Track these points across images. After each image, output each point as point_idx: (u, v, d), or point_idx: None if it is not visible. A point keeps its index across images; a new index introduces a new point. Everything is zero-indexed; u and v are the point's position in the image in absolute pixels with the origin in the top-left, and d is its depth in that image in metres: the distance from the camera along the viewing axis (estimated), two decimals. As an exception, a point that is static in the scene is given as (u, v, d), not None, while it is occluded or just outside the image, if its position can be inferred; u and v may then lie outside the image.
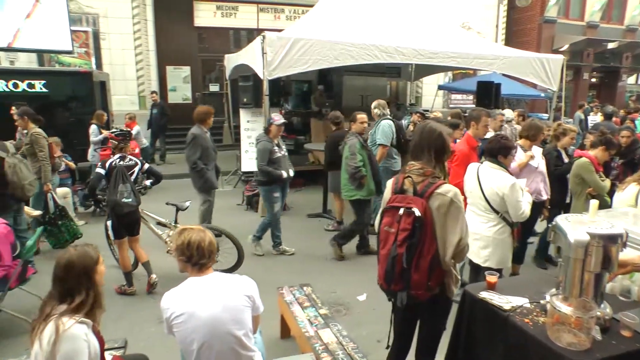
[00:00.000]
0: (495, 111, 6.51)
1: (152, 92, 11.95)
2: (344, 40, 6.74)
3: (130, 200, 4.48)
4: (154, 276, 4.70)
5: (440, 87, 15.11)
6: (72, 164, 7.16)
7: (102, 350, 2.15)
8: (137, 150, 8.54)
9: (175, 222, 5.07)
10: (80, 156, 7.88)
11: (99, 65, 12.28)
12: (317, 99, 12.77)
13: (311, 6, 8.94)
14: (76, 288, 2.07)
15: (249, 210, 7.61)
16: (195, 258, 2.20)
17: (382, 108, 6.40)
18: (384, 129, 6.12)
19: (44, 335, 1.93)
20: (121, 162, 4.57)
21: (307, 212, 7.36)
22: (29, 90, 8.27)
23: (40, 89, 8.33)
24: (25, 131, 5.67)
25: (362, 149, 5.34)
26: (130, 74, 12.75)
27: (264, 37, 6.33)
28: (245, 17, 13.98)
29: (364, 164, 5.28)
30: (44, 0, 8.68)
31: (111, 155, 4.75)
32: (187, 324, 2.11)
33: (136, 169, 4.70)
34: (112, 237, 4.77)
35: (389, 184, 2.60)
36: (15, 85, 8.17)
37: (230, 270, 4.94)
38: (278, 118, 5.42)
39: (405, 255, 2.31)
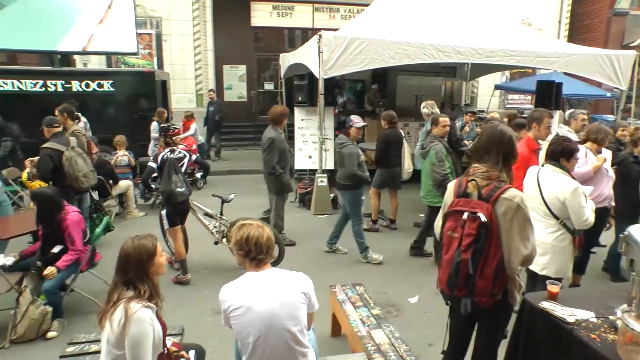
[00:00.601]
0: (575, 111, 6.09)
1: (210, 90, 12.35)
2: (400, 39, 6.67)
3: (183, 189, 4.72)
4: (189, 275, 4.97)
5: (497, 87, 14.59)
6: (132, 161, 7.55)
7: (165, 335, 2.27)
8: (194, 147, 8.88)
9: (221, 213, 5.29)
10: (141, 152, 8.30)
11: (160, 65, 12.88)
12: (370, 98, 12.70)
13: (366, 5, 8.92)
14: (134, 277, 2.20)
15: (302, 207, 7.71)
16: (254, 253, 2.25)
17: (431, 108, 6.30)
18: None
19: (114, 317, 2.08)
20: (172, 155, 4.80)
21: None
22: (99, 89, 8.83)
23: (108, 88, 8.87)
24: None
25: (448, 154, 5.29)
26: (189, 73, 13.27)
27: (320, 36, 6.39)
28: (300, 16, 14.15)
29: (451, 170, 5.21)
30: (115, 7, 9.22)
31: (162, 150, 5.02)
32: (244, 317, 2.16)
33: (185, 160, 4.96)
34: (166, 226, 4.99)
35: (451, 186, 2.55)
36: (87, 85, 8.76)
37: (272, 265, 5.05)
38: (358, 120, 5.28)
39: (471, 261, 2.27)
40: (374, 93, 12.93)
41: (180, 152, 4.93)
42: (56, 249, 3.90)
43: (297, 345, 2.24)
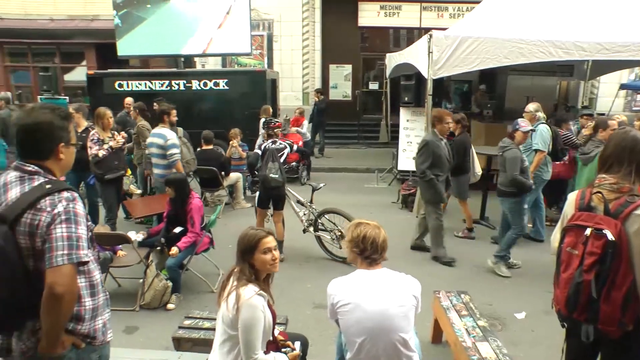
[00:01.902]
0: None
1: (316, 90, 12.68)
2: (515, 36, 6.23)
3: (277, 176, 5.12)
4: (282, 255, 5.08)
5: (623, 87, 12.95)
6: (243, 153, 8.01)
7: (274, 323, 2.39)
8: (300, 143, 9.20)
9: (311, 201, 5.59)
10: (251, 146, 8.75)
11: (270, 64, 13.55)
12: (477, 99, 12.16)
13: (477, 2, 8.50)
14: (245, 264, 2.32)
15: (404, 209, 7.61)
16: (369, 252, 2.27)
17: (539, 111, 5.86)
18: (543, 134, 5.64)
19: (229, 301, 2.22)
20: (273, 146, 5.30)
21: (463, 217, 7.09)
22: (215, 88, 9.54)
23: (223, 86, 9.54)
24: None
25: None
26: (297, 72, 13.79)
27: (430, 35, 6.23)
28: (407, 16, 13.98)
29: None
30: (233, 12, 9.93)
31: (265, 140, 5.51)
32: (353, 313, 2.19)
33: (285, 151, 5.39)
34: (256, 205, 5.49)
35: (572, 197, 2.30)
36: (205, 84, 9.52)
37: None
38: (525, 124, 5.02)
39: (594, 283, 2.03)
40: (481, 94, 12.36)
41: (281, 144, 5.38)
42: (177, 230, 4.34)
43: (405, 349, 2.22)
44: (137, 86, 9.67)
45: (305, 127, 10.24)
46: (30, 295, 1.70)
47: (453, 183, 6.09)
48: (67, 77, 14.65)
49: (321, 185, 5.70)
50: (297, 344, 2.67)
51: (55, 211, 1.71)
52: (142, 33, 10.16)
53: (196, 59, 11.91)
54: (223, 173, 7.14)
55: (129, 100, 8.41)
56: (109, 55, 12.56)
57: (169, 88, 9.59)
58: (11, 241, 1.67)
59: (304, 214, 5.65)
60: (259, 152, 5.32)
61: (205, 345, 3.13)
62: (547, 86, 11.80)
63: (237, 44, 10.19)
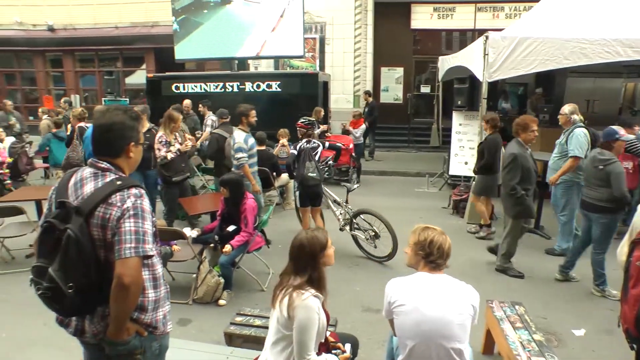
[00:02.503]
0: None
1: (365, 93, 12.64)
2: (577, 36, 5.91)
3: (314, 175, 5.36)
4: None
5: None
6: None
7: (328, 325, 2.41)
8: (351, 146, 9.20)
9: (346, 201, 5.78)
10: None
11: (321, 67, 13.66)
12: (533, 103, 11.68)
13: (535, 1, 8.14)
14: (306, 266, 2.34)
15: (455, 214, 7.44)
16: (434, 257, 2.29)
17: (575, 113, 5.50)
18: (580, 139, 5.26)
19: (285, 301, 2.25)
20: (307, 145, 5.48)
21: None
22: (267, 90, 9.75)
23: (276, 88, 9.73)
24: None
25: None
26: (348, 75, 13.81)
27: (486, 37, 6.07)
28: (461, 17, 13.68)
29: None
30: (286, 16, 10.12)
31: (300, 140, 5.62)
32: (409, 315, 2.18)
33: (319, 149, 5.57)
34: (298, 205, 5.81)
35: None
36: (258, 86, 9.75)
37: (386, 258, 5.35)
38: (624, 132, 4.55)
39: None
40: (537, 97, 11.85)
41: (314, 143, 5.57)
42: (231, 228, 4.47)
43: (459, 358, 2.19)
44: (192, 88, 10.06)
45: (362, 129, 10.23)
46: (101, 283, 1.82)
47: (479, 180, 6.25)
48: (128, 80, 15.50)
49: (355, 186, 5.96)
50: (348, 346, 2.67)
51: (125, 206, 1.82)
52: (198, 37, 10.60)
53: (249, 61, 12.21)
54: (275, 174, 7.27)
55: (187, 102, 8.79)
56: (166, 59, 13.18)
57: (223, 90, 9.91)
58: (86, 233, 1.79)
59: (340, 214, 5.88)
60: (294, 152, 5.51)
61: (255, 343, 3.21)
62: (611, 88, 11.10)
63: (290, 47, 10.38)
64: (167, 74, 10.97)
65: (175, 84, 10.19)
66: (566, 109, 5.53)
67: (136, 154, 2.04)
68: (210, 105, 8.76)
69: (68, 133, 8.15)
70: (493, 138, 6.16)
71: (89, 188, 1.88)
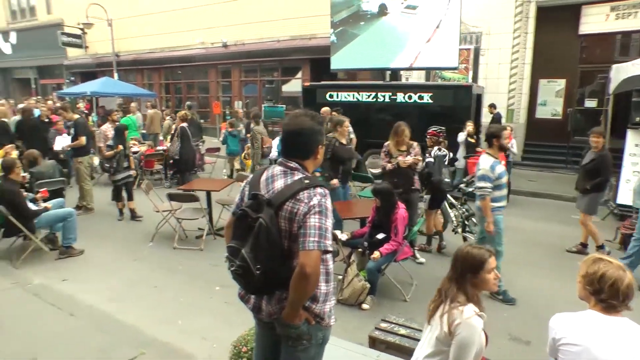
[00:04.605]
0: None
1: (491, 105, 11.62)
2: None
3: (449, 180, 5.99)
4: (444, 243, 6.17)
5: None
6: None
7: (485, 347, 2.32)
8: (502, 162, 8.66)
9: (461, 204, 6.36)
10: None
11: (474, 79, 13.12)
12: None
13: None
14: (466, 282, 2.32)
15: (621, 249, 6.45)
16: (605, 295, 2.00)
17: None
18: None
19: (446, 316, 2.24)
20: (439, 153, 5.92)
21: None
22: (418, 101, 9.73)
23: (427, 100, 9.65)
24: None
25: None
26: (502, 88, 13.05)
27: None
28: (647, 17, 11.80)
29: None
30: (442, 26, 9.99)
31: (432, 147, 6.03)
32: (580, 356, 1.99)
33: (446, 158, 5.99)
34: (425, 208, 6.12)
35: None
36: (409, 97, 9.78)
37: None
38: None
39: None
40: None
41: (443, 151, 5.97)
42: (380, 236, 4.61)
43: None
44: (345, 97, 10.53)
45: (515, 145, 9.52)
46: (282, 269, 2.06)
47: (586, 199, 6.00)
48: (285, 88, 16.82)
49: (470, 189, 6.22)
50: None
51: (311, 203, 2.02)
52: (354, 48, 11.03)
53: (401, 72, 12.32)
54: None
55: (325, 110, 9.24)
56: (320, 69, 14.01)
57: (374, 100, 10.17)
58: (275, 223, 2.04)
59: (455, 216, 6.31)
60: (431, 160, 5.87)
61: (397, 350, 3.27)
62: None
63: (444, 58, 10.21)
64: (322, 82, 11.58)
65: (329, 92, 10.75)
66: None
67: (320, 155, 2.27)
68: (342, 112, 8.96)
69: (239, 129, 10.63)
70: (606, 154, 5.84)
71: (279, 184, 2.13)
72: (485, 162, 4.63)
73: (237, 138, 10.75)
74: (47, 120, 9.59)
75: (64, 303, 4.61)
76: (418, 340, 3.10)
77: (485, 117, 12.11)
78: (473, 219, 5.96)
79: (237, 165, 10.28)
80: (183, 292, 4.91)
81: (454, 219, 6.32)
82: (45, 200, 6.08)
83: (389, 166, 5.52)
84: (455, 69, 11.26)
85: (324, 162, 6.15)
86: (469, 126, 8.90)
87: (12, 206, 5.40)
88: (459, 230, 6.21)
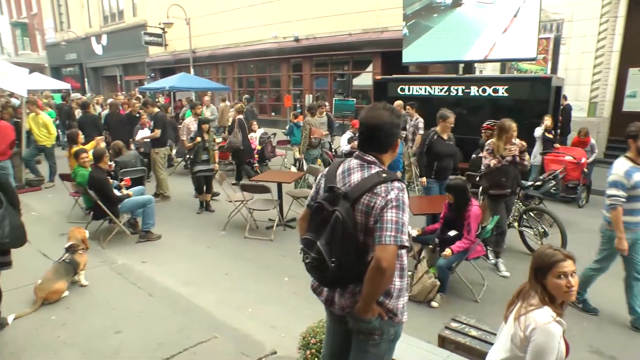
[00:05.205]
0: None
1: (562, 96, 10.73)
2: None
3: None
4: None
5: None
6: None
7: (566, 357, 2.16)
8: (582, 160, 8.09)
9: (518, 198, 6.01)
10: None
11: (553, 70, 12.29)
12: None
13: None
14: (537, 284, 2.19)
15: None
16: None
17: None
18: None
19: (521, 320, 2.14)
20: None
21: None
22: (493, 94, 9.28)
23: (502, 93, 9.18)
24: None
25: None
26: (584, 79, 12.11)
27: None
28: None
29: None
30: (520, 15, 9.42)
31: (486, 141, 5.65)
32: None
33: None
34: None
35: None
36: (484, 91, 9.35)
37: None
38: None
39: None
40: None
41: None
42: (452, 233, 4.47)
43: None
44: (417, 91, 10.28)
45: (590, 144, 8.84)
46: (357, 263, 2.04)
47: None
48: (356, 81, 16.73)
49: (529, 183, 6.26)
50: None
51: (389, 197, 1.99)
52: (426, 41, 10.73)
53: (475, 65, 11.82)
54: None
55: (399, 103, 9.08)
56: (391, 62, 13.81)
57: (447, 93, 9.85)
58: (351, 216, 2.03)
59: (517, 210, 6.02)
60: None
61: (467, 352, 3.16)
62: None
63: (521, 49, 9.63)
64: (394, 76, 11.37)
65: (400, 86, 10.55)
66: None
67: (397, 149, 2.23)
68: (417, 107, 8.95)
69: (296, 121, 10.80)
70: None
71: (355, 177, 2.11)
72: (621, 166, 3.97)
73: (300, 129, 10.98)
74: (137, 115, 10.24)
75: (144, 283, 4.93)
76: (490, 343, 3.01)
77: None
78: (532, 212, 5.76)
79: (297, 155, 10.54)
80: (253, 281, 5.07)
81: (515, 213, 6.04)
82: (127, 188, 6.54)
83: (494, 162, 4.99)
84: (533, 60, 10.56)
85: (418, 155, 6.15)
86: (547, 120, 8.39)
87: (100, 192, 5.87)
88: (515, 224, 5.95)
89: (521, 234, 5.86)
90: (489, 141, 5.22)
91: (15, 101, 13.42)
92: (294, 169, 10.07)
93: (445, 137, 5.89)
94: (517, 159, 5.00)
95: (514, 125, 4.96)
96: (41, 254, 5.56)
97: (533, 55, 9.83)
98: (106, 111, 11.63)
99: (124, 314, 4.25)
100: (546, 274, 2.17)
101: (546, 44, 12.43)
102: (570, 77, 11.97)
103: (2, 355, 3.61)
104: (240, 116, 9.33)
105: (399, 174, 6.78)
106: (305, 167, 8.95)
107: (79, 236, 4.94)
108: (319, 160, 9.19)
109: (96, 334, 3.90)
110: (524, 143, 5.11)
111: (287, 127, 11.51)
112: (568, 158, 8.10)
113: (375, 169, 2.11)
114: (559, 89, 9.80)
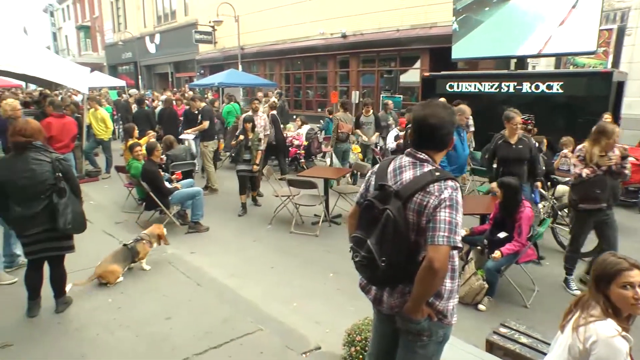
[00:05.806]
0: None
1: None
2: None
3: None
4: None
5: None
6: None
7: None
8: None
9: (552, 194, 6.30)
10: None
11: (615, 64, 11.56)
12: None
13: None
14: (599, 293, 2.06)
15: None
16: None
17: None
18: None
19: (581, 330, 2.02)
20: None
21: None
22: (547, 91, 8.89)
23: (557, 90, 8.77)
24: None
25: None
26: (651, 73, 11.31)
27: None
28: None
29: None
30: (580, 6, 8.92)
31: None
32: None
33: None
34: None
35: None
36: (537, 87, 8.97)
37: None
38: None
39: None
40: None
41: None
42: (502, 235, 4.31)
43: None
44: (466, 87, 10.03)
45: None
46: (408, 263, 2.00)
47: None
48: (403, 78, 16.49)
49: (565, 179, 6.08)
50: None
51: (442, 196, 1.94)
52: (477, 36, 10.43)
53: (528, 60, 11.33)
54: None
55: (441, 100, 8.82)
56: (439, 58, 13.48)
57: (497, 90, 9.54)
58: (402, 215, 1.99)
59: (543, 205, 6.14)
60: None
61: (515, 359, 3.04)
62: None
63: (579, 42, 9.13)
64: (443, 72, 11.13)
65: (449, 83, 10.33)
66: None
67: (451, 146, 2.18)
68: (466, 105, 8.58)
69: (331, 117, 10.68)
70: None
71: (407, 175, 2.06)
72: None
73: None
74: (196, 112, 10.37)
75: (192, 273, 5.09)
76: (541, 352, 2.90)
77: (628, 108, 10.64)
78: (565, 210, 5.66)
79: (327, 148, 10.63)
80: (298, 276, 5.12)
81: (541, 210, 6.03)
82: (177, 182, 6.77)
83: (587, 172, 4.29)
84: (593, 53, 9.99)
85: (486, 160, 5.74)
86: (606, 119, 7.88)
87: (152, 184, 6.12)
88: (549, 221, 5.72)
89: (553, 230, 5.75)
90: (579, 146, 4.53)
91: (76, 98, 14.24)
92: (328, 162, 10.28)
93: (512, 140, 5.30)
94: (614, 167, 4.29)
95: (617, 130, 4.33)
96: (103, 238, 5.97)
97: (593, 49, 9.30)
98: (159, 107, 12.07)
99: (173, 301, 4.41)
100: (609, 284, 2.04)
101: (608, 35, 11.70)
102: (635, 71, 11.20)
103: (69, 330, 3.89)
104: (274, 112, 9.53)
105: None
106: (334, 160, 9.20)
107: (156, 231, 5.24)
108: (359, 155, 9.41)
109: (148, 318, 4.07)
110: (626, 146, 4.61)
111: (322, 123, 11.72)
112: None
113: (427, 167, 2.06)
114: (620, 84, 9.22)
